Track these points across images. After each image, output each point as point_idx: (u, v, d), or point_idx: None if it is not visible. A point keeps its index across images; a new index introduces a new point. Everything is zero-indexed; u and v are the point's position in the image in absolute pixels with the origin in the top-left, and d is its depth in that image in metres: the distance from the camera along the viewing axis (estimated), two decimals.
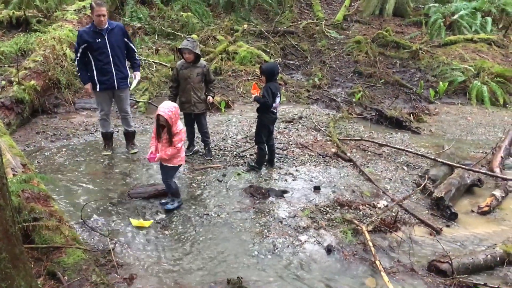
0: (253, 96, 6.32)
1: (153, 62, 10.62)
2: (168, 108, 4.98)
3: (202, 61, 6.52)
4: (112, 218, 5.18)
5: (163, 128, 5.08)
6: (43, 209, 4.34)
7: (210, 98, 6.52)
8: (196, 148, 7.02)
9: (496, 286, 4.53)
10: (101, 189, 5.77)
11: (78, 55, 6.21)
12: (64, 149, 6.84)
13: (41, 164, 6.35)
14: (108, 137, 6.80)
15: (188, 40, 6.27)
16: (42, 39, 8.98)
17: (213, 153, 6.96)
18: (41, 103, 8.13)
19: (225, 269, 4.55)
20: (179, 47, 6.36)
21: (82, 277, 3.74)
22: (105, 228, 4.95)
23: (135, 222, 5.07)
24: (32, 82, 7.84)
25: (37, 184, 4.70)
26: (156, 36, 11.85)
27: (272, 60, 11.56)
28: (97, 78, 6.28)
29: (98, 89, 6.34)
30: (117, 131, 7.43)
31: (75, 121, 8.05)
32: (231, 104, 9.52)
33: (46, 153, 6.68)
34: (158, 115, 4.98)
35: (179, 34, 12.18)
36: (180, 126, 5.12)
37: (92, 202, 5.37)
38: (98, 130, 7.46)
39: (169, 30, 12.23)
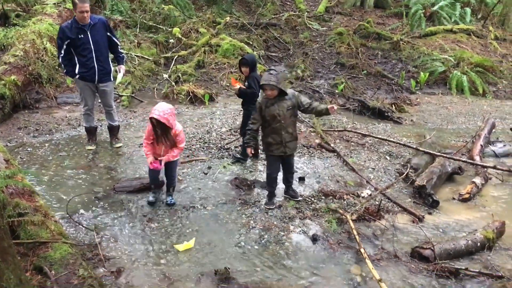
0: (236, 87, 6.29)
1: (135, 55, 10.54)
2: (163, 110, 4.78)
3: (290, 90, 5.35)
4: (97, 212, 5.17)
5: (162, 130, 4.93)
6: (28, 204, 4.31)
7: (333, 106, 5.28)
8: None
9: (477, 271, 4.65)
10: (86, 184, 5.75)
11: (63, 51, 6.15)
12: (47, 144, 6.78)
13: (24, 159, 6.29)
14: (91, 132, 6.76)
15: (271, 73, 5.08)
16: (21, 33, 8.86)
17: (198, 146, 6.98)
18: (22, 98, 8.03)
19: (212, 260, 4.58)
20: (261, 83, 5.13)
21: (69, 271, 3.73)
22: (91, 222, 4.94)
23: (180, 247, 4.73)
24: (13, 77, 7.73)
25: (21, 180, 4.66)
26: (137, 30, 11.75)
27: (254, 52, 11.58)
28: (78, 71, 6.24)
29: (77, 78, 6.29)
30: (100, 125, 7.39)
31: (57, 116, 7.97)
32: (214, 97, 9.52)
33: (28, 149, 6.62)
34: (153, 119, 4.79)
35: (161, 27, 12.10)
36: (179, 127, 5.08)
37: (77, 196, 5.35)
38: (81, 125, 7.40)
39: (150, 23, 12.13)
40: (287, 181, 5.78)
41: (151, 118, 4.84)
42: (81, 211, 5.14)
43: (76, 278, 3.69)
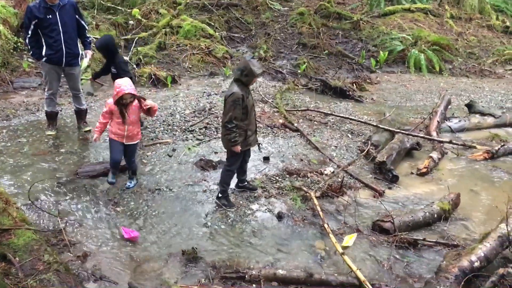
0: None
1: (93, 38, 10.26)
2: (130, 84, 4.99)
3: None
4: (61, 197, 5.09)
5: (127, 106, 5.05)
6: None
7: None
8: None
9: (434, 241, 4.90)
10: (47, 169, 5.64)
11: (30, 32, 5.94)
12: (4, 131, 6.58)
13: None
14: (53, 117, 6.60)
15: (256, 60, 4.85)
16: None
17: (162, 128, 6.94)
18: None
19: (180, 241, 4.63)
20: (258, 72, 4.71)
21: (34, 257, 3.71)
22: (54, 208, 4.88)
23: (344, 242, 4.74)
24: None
25: None
26: (95, 11, 11.43)
27: (216, 33, 11.50)
28: (45, 52, 6.05)
29: (44, 60, 6.10)
30: (60, 110, 7.21)
31: (14, 101, 7.72)
32: (177, 79, 9.41)
33: None
34: (127, 95, 4.91)
35: (120, 8, 11.82)
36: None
37: (39, 182, 5.24)
38: (40, 110, 7.21)
39: (109, 4, 11.82)
40: (244, 171, 5.51)
41: (123, 96, 4.90)
42: (44, 197, 5.06)
43: (42, 263, 3.67)
